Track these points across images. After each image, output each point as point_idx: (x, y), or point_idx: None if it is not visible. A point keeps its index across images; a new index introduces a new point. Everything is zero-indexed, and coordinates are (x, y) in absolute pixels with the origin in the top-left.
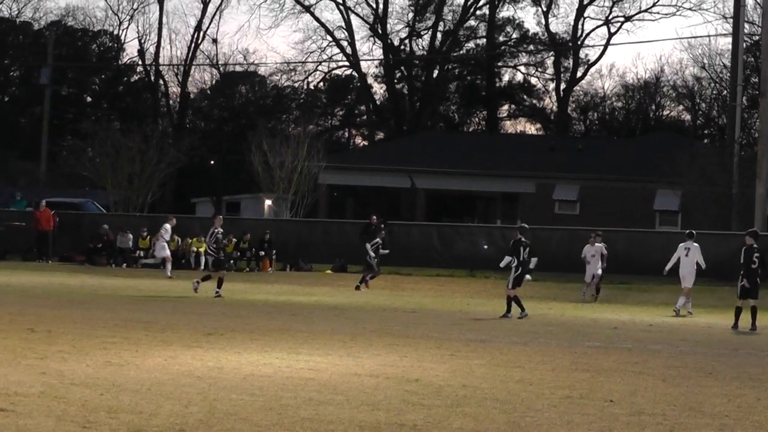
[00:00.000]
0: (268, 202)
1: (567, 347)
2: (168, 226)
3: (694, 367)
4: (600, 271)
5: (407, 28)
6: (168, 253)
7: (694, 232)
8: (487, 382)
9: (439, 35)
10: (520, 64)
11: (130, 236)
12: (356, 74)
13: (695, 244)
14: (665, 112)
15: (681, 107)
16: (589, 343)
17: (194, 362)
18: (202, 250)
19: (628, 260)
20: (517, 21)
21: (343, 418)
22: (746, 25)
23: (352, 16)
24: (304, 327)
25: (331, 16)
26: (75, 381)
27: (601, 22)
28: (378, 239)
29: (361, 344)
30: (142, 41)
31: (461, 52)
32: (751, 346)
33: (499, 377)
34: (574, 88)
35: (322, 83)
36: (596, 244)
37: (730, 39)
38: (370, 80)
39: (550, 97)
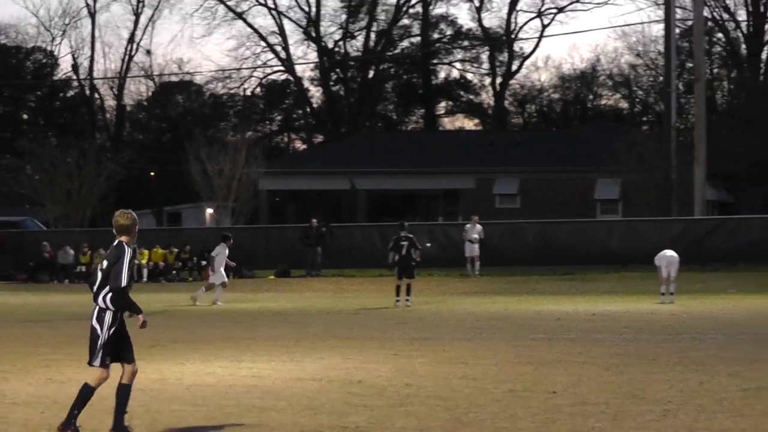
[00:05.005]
0: (209, 211)
1: (511, 341)
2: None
3: (636, 354)
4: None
5: (341, 30)
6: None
7: None
8: (430, 380)
9: (373, 35)
10: (456, 61)
11: (71, 252)
12: (292, 78)
13: None
14: (603, 102)
15: (618, 96)
16: (533, 335)
17: (137, 375)
18: (144, 262)
19: (570, 250)
20: (451, 17)
21: (286, 423)
22: (678, 11)
23: (285, 21)
24: (247, 334)
25: (264, 22)
26: (16, 400)
27: (534, 15)
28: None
29: (304, 348)
30: (76, 56)
31: (396, 51)
32: (694, 330)
33: (442, 375)
34: (511, 82)
35: (258, 89)
36: None
37: (663, 25)
38: (306, 84)
39: (486, 92)
